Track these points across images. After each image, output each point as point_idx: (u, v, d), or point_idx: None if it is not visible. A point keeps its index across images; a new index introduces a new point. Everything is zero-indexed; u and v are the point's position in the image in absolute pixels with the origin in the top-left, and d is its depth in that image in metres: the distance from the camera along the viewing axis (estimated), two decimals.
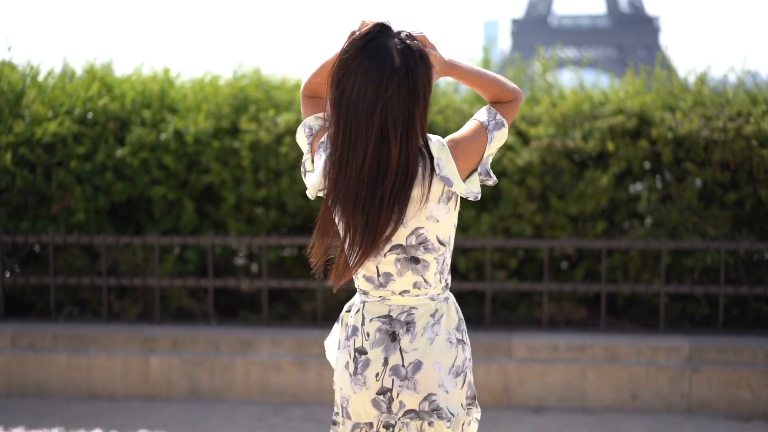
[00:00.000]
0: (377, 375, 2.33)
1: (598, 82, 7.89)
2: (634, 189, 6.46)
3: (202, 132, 6.47)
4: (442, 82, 7.50)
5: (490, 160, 2.44)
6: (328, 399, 5.91)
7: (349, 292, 6.36)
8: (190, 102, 6.77)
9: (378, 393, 2.33)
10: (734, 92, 6.55)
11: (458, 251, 6.30)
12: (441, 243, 2.35)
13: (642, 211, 6.22)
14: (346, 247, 2.34)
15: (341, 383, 2.42)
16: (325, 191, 2.35)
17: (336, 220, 2.38)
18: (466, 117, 6.62)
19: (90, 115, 6.61)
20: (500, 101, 2.50)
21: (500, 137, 2.46)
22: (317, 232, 2.45)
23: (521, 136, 6.69)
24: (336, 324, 2.60)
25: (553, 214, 6.32)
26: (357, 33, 2.27)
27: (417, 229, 2.31)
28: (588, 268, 6.43)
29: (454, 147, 2.37)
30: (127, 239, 6.25)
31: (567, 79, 7.82)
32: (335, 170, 2.28)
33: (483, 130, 2.43)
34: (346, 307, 2.56)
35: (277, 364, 5.96)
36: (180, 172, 6.52)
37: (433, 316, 2.38)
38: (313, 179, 2.40)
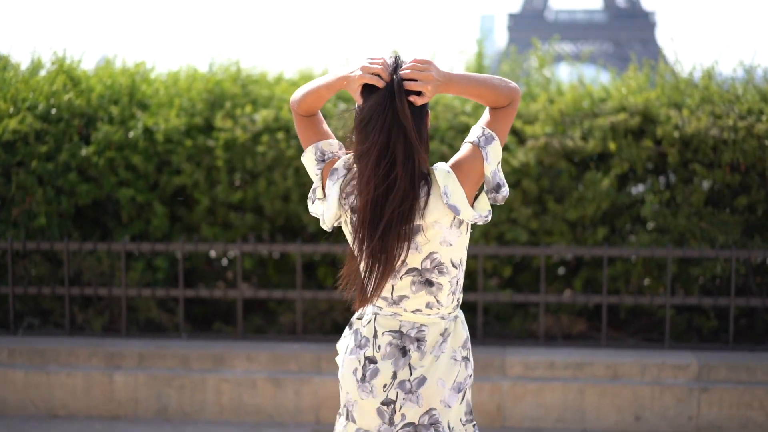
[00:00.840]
0: (385, 386, 2.41)
1: (597, 77, 7.45)
2: (637, 192, 6.01)
3: (174, 130, 6.01)
4: None
5: (500, 175, 2.49)
6: (307, 419, 5.47)
7: (330, 302, 5.91)
8: (162, 97, 6.31)
9: (383, 403, 2.41)
10: (744, 88, 6.10)
11: None
12: (454, 266, 2.44)
13: (646, 216, 5.78)
14: (363, 272, 2.42)
15: (348, 387, 2.48)
16: (353, 219, 2.44)
17: (355, 248, 2.46)
18: (457, 114, 6.18)
19: (54, 111, 6.14)
20: (497, 107, 2.51)
21: (494, 151, 2.48)
22: (349, 259, 2.53)
23: (516, 135, 6.24)
24: (347, 328, 2.66)
25: (550, 220, 5.88)
26: (364, 102, 2.43)
27: (431, 253, 2.39)
28: (588, 277, 5.98)
29: (458, 171, 2.44)
30: (91, 245, 5.79)
31: (565, 74, 7.36)
32: (363, 197, 2.38)
33: (476, 149, 2.46)
34: (357, 314, 2.60)
35: (252, 381, 5.50)
36: (149, 173, 6.06)
37: (442, 335, 2.46)
38: (331, 210, 2.48)
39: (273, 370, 5.54)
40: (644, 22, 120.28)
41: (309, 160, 2.62)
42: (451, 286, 2.46)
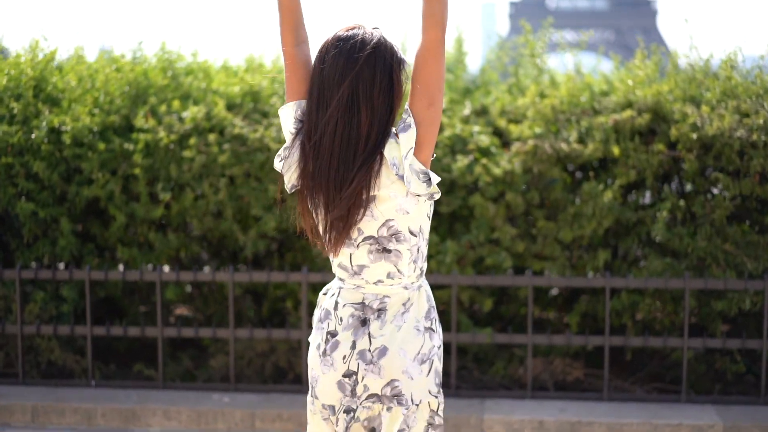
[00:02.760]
0: (344, 357, 2.37)
1: (597, 67, 6.37)
2: (646, 207, 4.93)
3: (84, 130, 4.93)
4: None
5: (417, 165, 2.32)
6: None
7: (271, 342, 4.86)
8: (77, 91, 5.22)
9: (344, 375, 2.37)
10: None
11: None
12: (413, 234, 2.37)
13: (657, 236, 4.70)
14: (322, 233, 2.41)
15: (312, 363, 2.45)
16: (300, 173, 2.39)
17: (309, 203, 2.41)
18: None
19: None
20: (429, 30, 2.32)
21: (406, 139, 2.33)
22: (299, 216, 2.47)
23: (499, 136, 5.16)
24: (317, 307, 2.59)
25: (540, 241, 4.81)
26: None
27: (387, 221, 2.33)
28: (586, 311, 4.90)
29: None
30: None
31: (564, 63, 6.24)
32: (308, 143, 2.34)
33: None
34: (323, 290, 2.58)
35: None
36: (55, 182, 4.98)
37: (404, 304, 2.41)
38: (289, 172, 2.43)
39: (195, 430, 4.47)
40: (646, 9, 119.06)
41: (287, 116, 2.45)
42: (411, 254, 2.38)
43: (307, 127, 2.34)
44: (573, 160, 4.84)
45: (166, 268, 4.97)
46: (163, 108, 5.04)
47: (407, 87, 2.37)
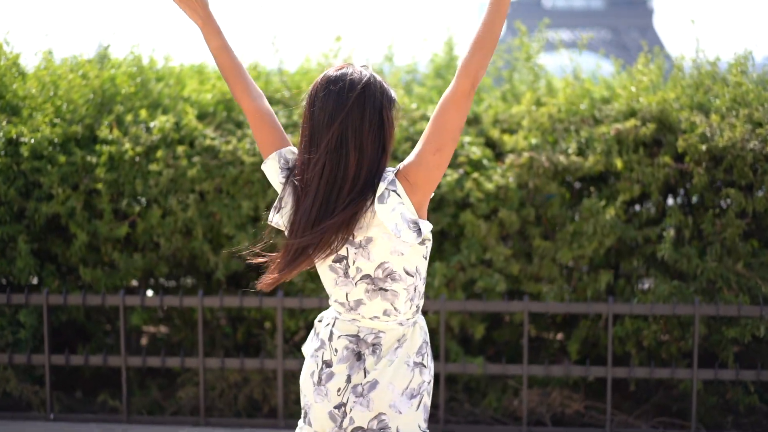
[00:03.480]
0: (339, 390, 2.38)
1: (597, 71, 6.00)
2: (651, 224, 4.56)
3: (44, 142, 4.55)
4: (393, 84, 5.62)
5: (408, 215, 2.32)
6: None
7: (245, 373, 4.50)
8: (38, 99, 4.84)
9: (335, 407, 2.39)
10: None
11: None
12: (409, 274, 2.35)
13: (664, 256, 4.32)
14: (285, 256, 2.39)
15: (306, 390, 2.46)
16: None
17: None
18: (416, 121, 4.73)
19: None
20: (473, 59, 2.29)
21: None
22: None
23: (492, 148, 4.79)
24: (311, 332, 2.57)
25: (536, 262, 4.43)
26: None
27: (383, 263, 2.33)
28: (586, 337, 4.53)
29: (405, 180, 2.33)
30: None
31: (559, 64, 5.85)
32: (300, 183, 2.35)
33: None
34: (319, 317, 2.55)
35: None
36: (12, 198, 4.59)
37: (398, 340, 2.41)
38: (285, 217, 2.42)
39: None
40: (642, 9, 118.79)
41: (272, 169, 2.46)
42: (407, 293, 2.37)
43: (298, 168, 2.35)
44: (572, 174, 4.47)
45: (136, 284, 4.59)
46: (129, 117, 4.65)
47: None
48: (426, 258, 2.38)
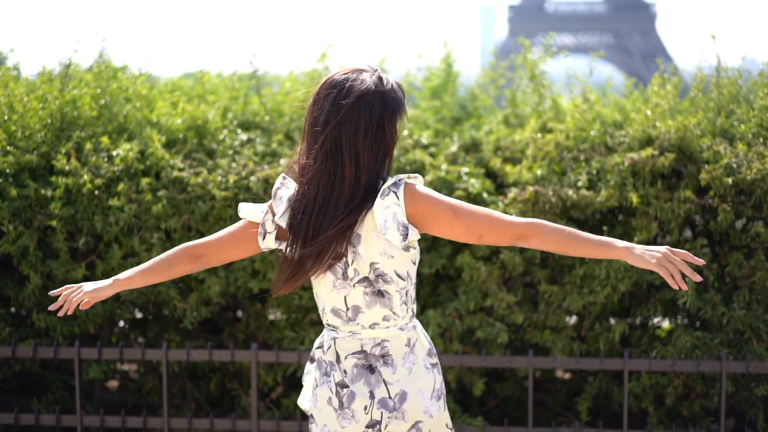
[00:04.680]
0: (365, 408, 2.35)
1: (606, 90, 5.53)
2: None
3: None
4: None
5: (401, 217, 2.33)
6: None
7: None
8: None
9: (367, 426, 2.35)
10: None
11: None
12: (400, 277, 2.37)
13: (685, 303, 3.84)
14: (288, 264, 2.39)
15: (325, 420, 2.39)
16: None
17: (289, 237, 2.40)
18: (408, 150, 4.27)
19: None
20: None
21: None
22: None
23: (492, 178, 4.32)
24: (308, 363, 2.57)
25: (542, 309, 3.95)
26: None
27: (373, 264, 2.34)
28: (599, 393, 4.05)
29: (414, 204, 2.35)
30: None
31: (566, 72, 5.32)
32: (302, 184, 2.36)
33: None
34: (316, 344, 2.52)
35: None
36: None
37: (407, 345, 2.41)
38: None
39: None
40: (645, 13, 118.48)
41: (251, 211, 2.47)
42: (400, 295, 2.38)
43: (299, 172, 2.37)
44: (582, 210, 3.99)
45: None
46: (89, 145, 4.18)
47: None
48: (415, 264, 2.40)
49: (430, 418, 2.37)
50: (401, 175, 2.33)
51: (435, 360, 2.46)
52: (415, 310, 2.45)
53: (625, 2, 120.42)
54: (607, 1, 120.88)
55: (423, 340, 2.45)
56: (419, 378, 2.37)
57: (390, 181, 2.30)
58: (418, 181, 2.37)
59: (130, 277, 2.51)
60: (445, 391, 2.46)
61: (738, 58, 4.87)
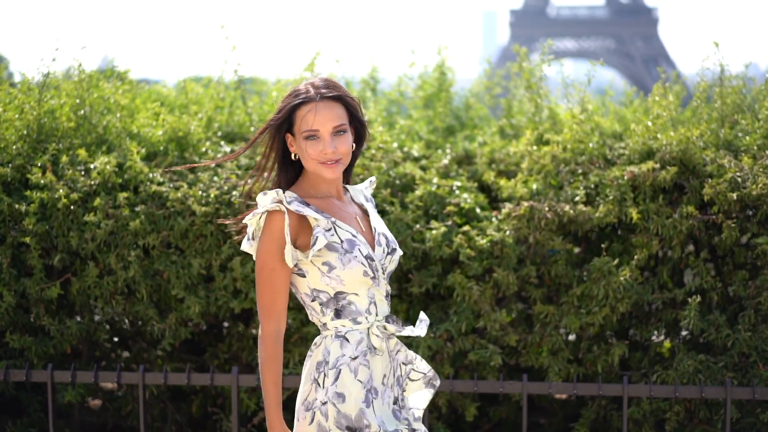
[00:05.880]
0: None
1: (605, 100, 5.36)
2: (666, 273, 3.90)
3: None
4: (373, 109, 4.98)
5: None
6: None
7: None
8: None
9: None
10: None
11: None
12: (307, 295, 2.48)
13: (688, 324, 3.66)
14: None
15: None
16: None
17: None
18: (397, 163, 4.10)
19: None
20: None
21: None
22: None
23: (486, 192, 4.14)
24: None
25: (538, 330, 3.77)
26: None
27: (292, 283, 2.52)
28: (597, 416, 3.87)
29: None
30: None
31: (562, 77, 5.13)
32: None
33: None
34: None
35: None
36: None
37: (310, 349, 2.52)
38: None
39: None
40: (646, 18, 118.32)
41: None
42: (308, 309, 2.52)
43: None
44: (579, 226, 3.82)
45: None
46: (65, 158, 4.01)
47: None
48: (318, 281, 2.44)
49: (296, 420, 2.44)
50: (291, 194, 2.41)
51: (318, 376, 2.43)
52: (327, 325, 2.46)
53: (627, 7, 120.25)
54: (609, 5, 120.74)
55: (318, 353, 2.46)
56: (302, 381, 2.47)
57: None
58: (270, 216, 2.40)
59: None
60: (320, 415, 2.39)
61: (741, 65, 4.69)
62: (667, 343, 3.97)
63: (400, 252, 2.55)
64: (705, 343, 3.80)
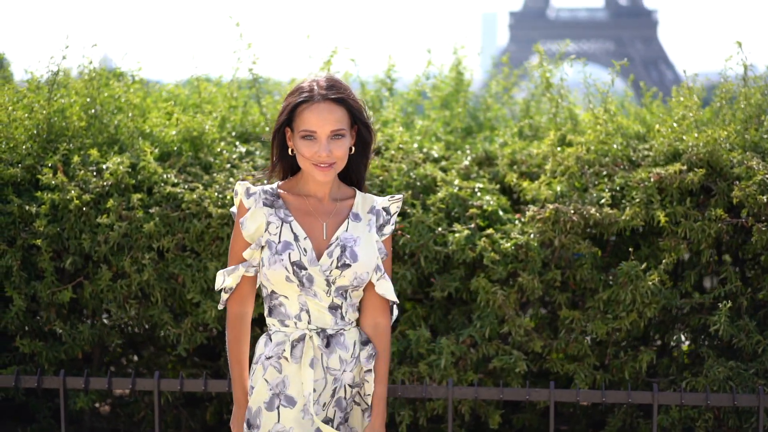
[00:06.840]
0: None
1: (624, 99, 5.27)
2: (701, 290, 3.80)
3: None
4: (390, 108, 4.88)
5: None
6: None
7: None
8: None
9: None
10: None
11: (399, 402, 3.65)
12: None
13: (718, 330, 3.56)
14: None
15: None
16: None
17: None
18: (418, 165, 4.00)
19: None
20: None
21: None
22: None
23: (509, 194, 4.04)
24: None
25: (563, 336, 3.67)
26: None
27: None
28: (624, 424, 3.77)
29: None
30: None
31: (577, 79, 5.04)
32: None
33: None
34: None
35: None
36: None
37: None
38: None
39: None
40: (646, 20, 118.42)
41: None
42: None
43: None
44: (605, 229, 3.72)
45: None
46: (77, 158, 3.91)
47: None
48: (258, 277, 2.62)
49: None
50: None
51: (254, 368, 2.58)
52: (268, 322, 2.60)
53: (627, 9, 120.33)
54: (609, 8, 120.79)
55: (260, 345, 2.61)
56: None
57: None
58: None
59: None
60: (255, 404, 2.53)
61: (763, 66, 4.61)
62: (685, 347, 3.89)
63: (363, 270, 2.51)
64: (734, 349, 3.70)
